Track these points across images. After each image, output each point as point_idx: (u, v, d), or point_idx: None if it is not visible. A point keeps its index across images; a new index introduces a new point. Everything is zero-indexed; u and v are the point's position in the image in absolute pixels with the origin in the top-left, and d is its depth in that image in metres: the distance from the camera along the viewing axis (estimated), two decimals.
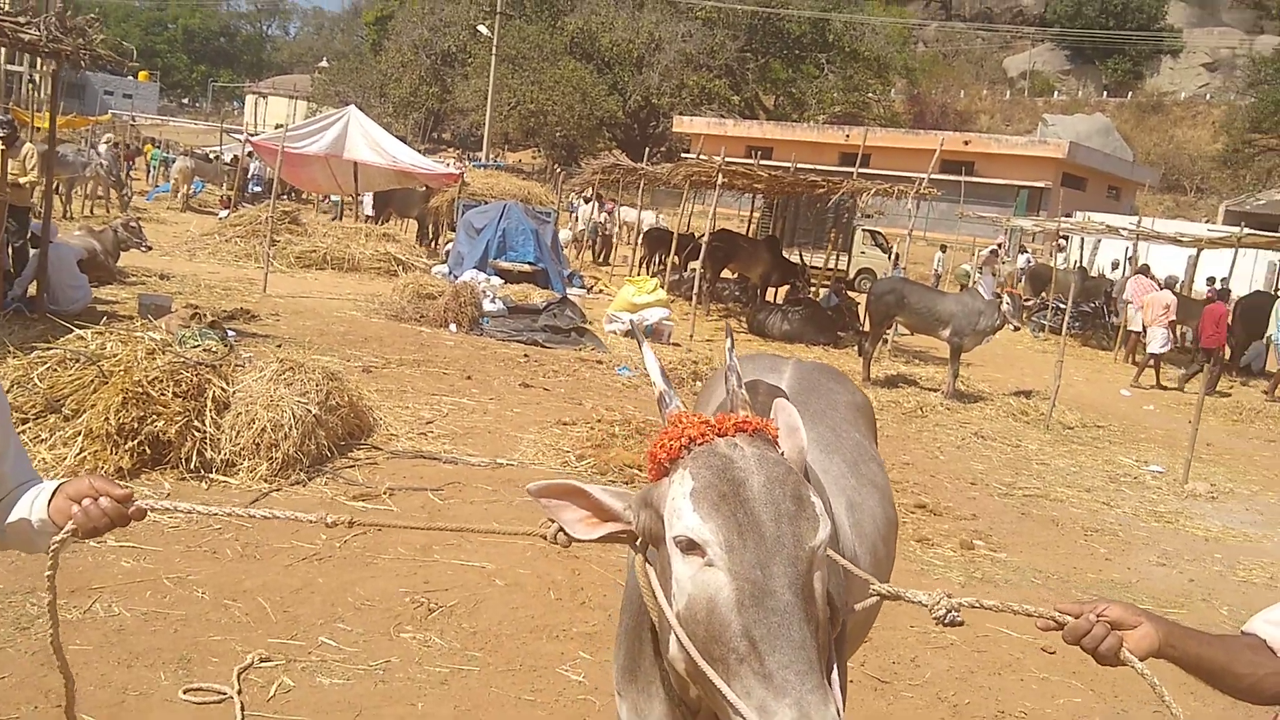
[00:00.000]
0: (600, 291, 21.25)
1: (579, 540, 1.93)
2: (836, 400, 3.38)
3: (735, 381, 1.99)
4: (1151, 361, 18.22)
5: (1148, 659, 1.91)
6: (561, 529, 1.94)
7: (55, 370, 6.94)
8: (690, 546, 1.71)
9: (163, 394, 6.76)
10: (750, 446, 1.79)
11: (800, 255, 21.80)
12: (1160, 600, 6.97)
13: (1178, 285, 20.30)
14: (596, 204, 29.31)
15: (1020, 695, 5.24)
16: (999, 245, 33.95)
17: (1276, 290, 24.78)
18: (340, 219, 25.47)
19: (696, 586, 1.69)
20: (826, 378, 3.57)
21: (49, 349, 7.22)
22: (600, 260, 28.87)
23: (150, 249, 15.77)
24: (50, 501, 1.99)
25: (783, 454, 1.86)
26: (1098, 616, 1.91)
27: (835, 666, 1.85)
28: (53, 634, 2.08)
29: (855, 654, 4.26)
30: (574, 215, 30.67)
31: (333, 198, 28.74)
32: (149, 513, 2.03)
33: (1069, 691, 5.33)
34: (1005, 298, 14.39)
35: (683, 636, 1.71)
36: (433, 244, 25.26)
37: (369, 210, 27.12)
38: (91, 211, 24.34)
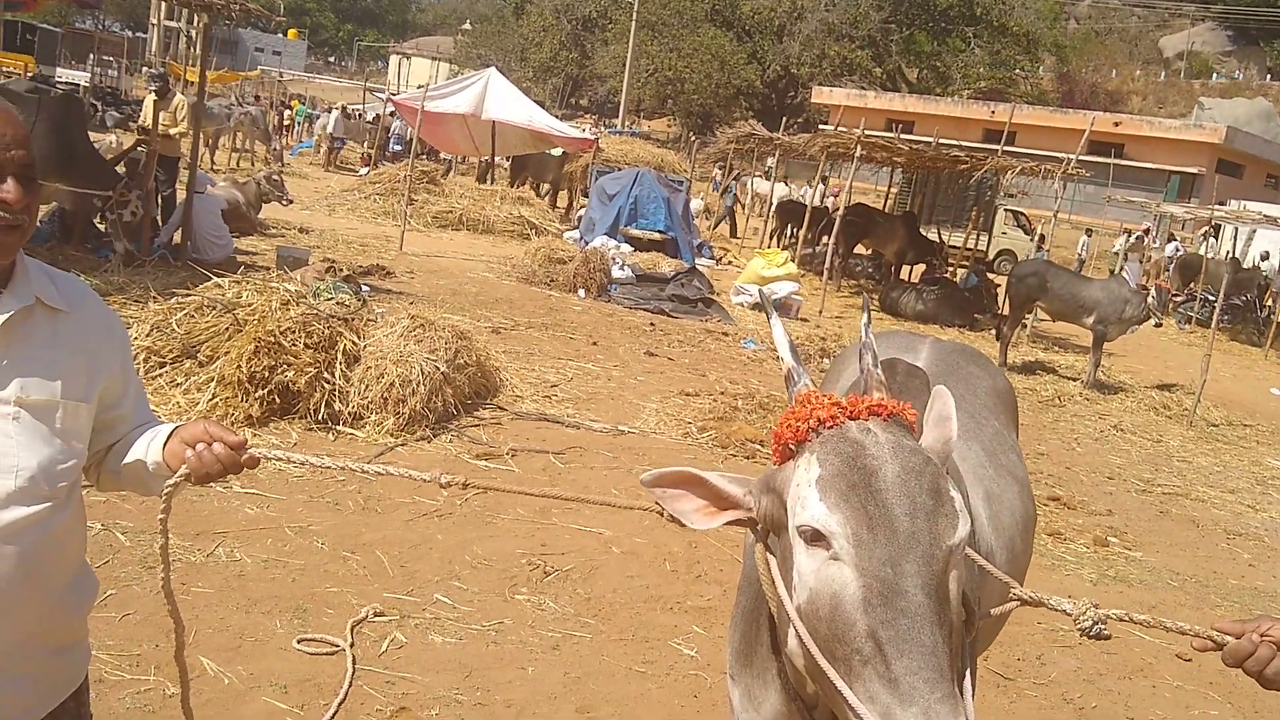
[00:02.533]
0: (729, 263, 21.06)
1: (696, 528, 1.83)
2: (976, 385, 3.21)
3: (870, 360, 1.85)
4: None
5: None
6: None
7: (193, 317, 7.12)
8: (815, 537, 1.59)
9: (294, 344, 6.86)
10: (884, 432, 1.66)
11: (938, 233, 21.29)
12: None
13: None
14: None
15: (1152, 703, 4.99)
16: (1146, 230, 32.66)
17: None
18: (489, 181, 25.62)
19: (820, 581, 1.58)
20: (966, 360, 3.38)
21: (188, 296, 7.41)
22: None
23: (291, 203, 16.14)
24: (165, 445, 1.97)
25: (920, 442, 1.73)
26: (1262, 636, 1.73)
27: (968, 673, 1.72)
28: (164, 577, 2.08)
29: (984, 651, 4.10)
30: (729, 194, 29.63)
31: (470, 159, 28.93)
32: (261, 461, 2.00)
33: (1205, 703, 5.06)
34: (1152, 290, 13.79)
35: (803, 632, 1.60)
36: (566, 209, 25.36)
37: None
38: (237, 164, 25.06)
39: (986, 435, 2.92)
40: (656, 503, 1.86)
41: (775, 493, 1.72)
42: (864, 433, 1.65)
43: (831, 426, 1.68)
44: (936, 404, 1.85)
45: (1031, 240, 26.76)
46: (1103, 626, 1.77)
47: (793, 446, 1.72)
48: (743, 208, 29.56)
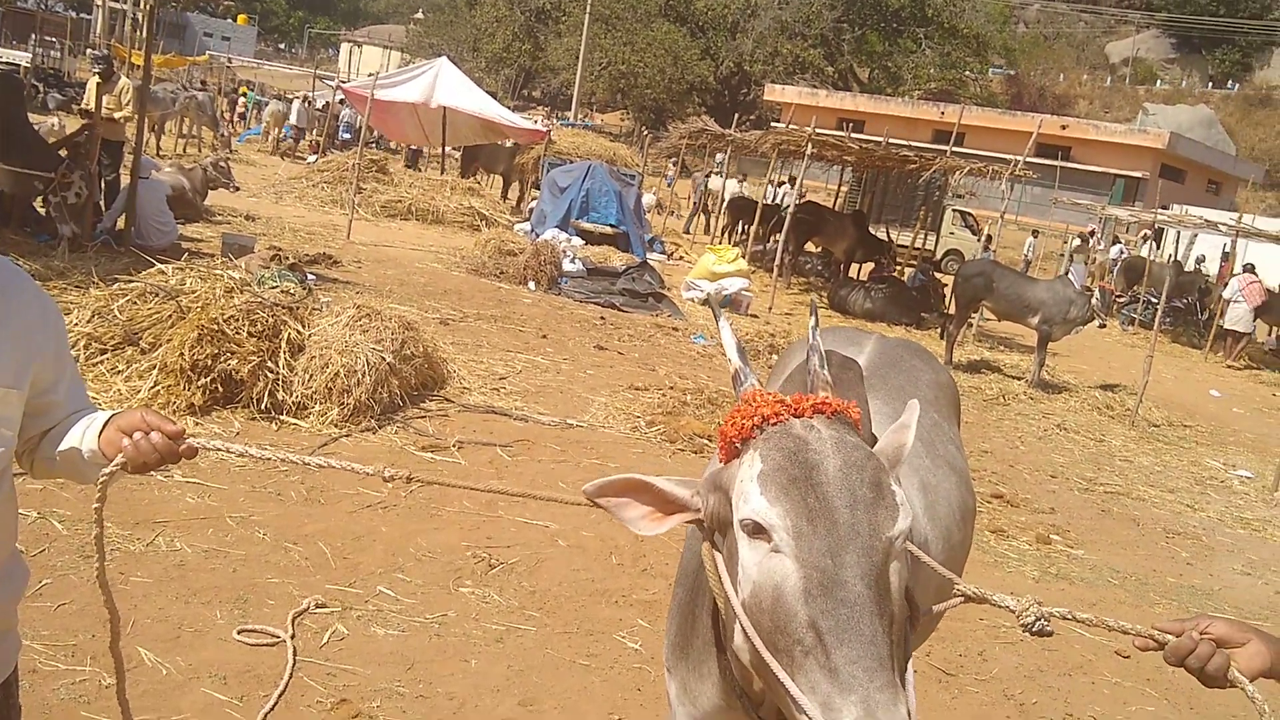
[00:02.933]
0: (680, 258, 21.08)
1: (644, 534, 1.82)
2: (918, 378, 3.23)
3: (817, 361, 1.86)
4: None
5: (1257, 679, 1.75)
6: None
7: (135, 303, 7.00)
8: (757, 531, 1.60)
9: (238, 333, 6.77)
10: (828, 429, 1.67)
11: (887, 232, 21.43)
12: (1244, 611, 6.72)
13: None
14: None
15: (1090, 699, 5.05)
16: (1090, 232, 33.11)
17: None
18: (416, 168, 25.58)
19: (762, 573, 1.59)
20: (910, 354, 3.41)
21: (131, 282, 7.29)
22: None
23: (238, 189, 15.94)
24: (101, 433, 1.93)
25: (864, 439, 1.74)
26: (1201, 634, 1.74)
27: (910, 664, 1.73)
28: (99, 567, 2.03)
29: (922, 645, 4.13)
30: (698, 189, 29.73)
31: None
32: (200, 451, 1.96)
33: (1142, 699, 5.14)
34: (1095, 292, 14.00)
35: (747, 626, 1.61)
36: (517, 201, 25.27)
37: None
38: (184, 150, 24.70)
39: (924, 426, 2.93)
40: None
41: (721, 490, 1.72)
42: (807, 429, 1.66)
43: (776, 423, 1.69)
44: (903, 414, 1.89)
45: (979, 240, 27.04)
46: (1045, 622, 1.78)
47: (738, 444, 1.73)
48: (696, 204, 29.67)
